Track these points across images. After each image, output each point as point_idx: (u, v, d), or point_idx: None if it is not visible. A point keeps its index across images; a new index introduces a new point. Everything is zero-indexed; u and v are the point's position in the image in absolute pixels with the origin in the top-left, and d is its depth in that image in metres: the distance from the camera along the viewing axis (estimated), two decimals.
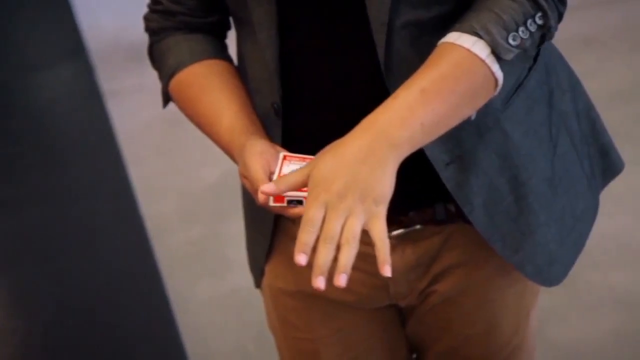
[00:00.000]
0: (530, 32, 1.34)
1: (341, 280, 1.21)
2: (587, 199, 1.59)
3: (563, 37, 3.59)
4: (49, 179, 3.07)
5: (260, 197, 1.33)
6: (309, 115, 1.46)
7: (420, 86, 1.29)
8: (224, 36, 1.56)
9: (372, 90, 1.39)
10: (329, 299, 1.60)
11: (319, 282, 1.22)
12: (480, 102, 1.35)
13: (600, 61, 3.64)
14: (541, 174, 1.49)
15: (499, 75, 1.33)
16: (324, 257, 1.22)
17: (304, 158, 1.39)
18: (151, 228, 3.16)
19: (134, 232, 2.64)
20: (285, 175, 1.32)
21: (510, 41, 1.32)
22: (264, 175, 1.36)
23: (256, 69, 1.47)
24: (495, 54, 1.31)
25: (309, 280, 1.58)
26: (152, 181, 3.54)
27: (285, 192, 1.30)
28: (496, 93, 1.35)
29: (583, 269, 2.78)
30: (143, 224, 2.62)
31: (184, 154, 3.68)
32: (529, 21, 1.33)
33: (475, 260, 1.55)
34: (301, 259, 1.23)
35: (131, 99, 4.01)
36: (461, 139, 1.42)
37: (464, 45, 1.31)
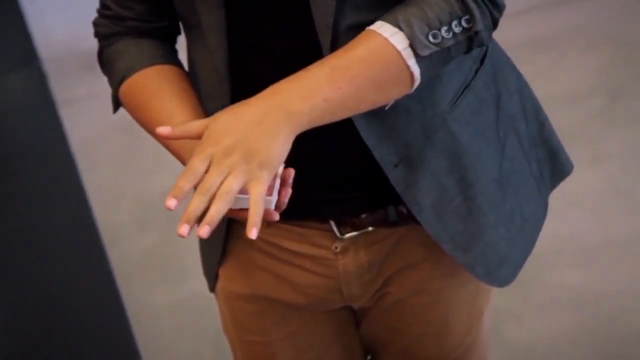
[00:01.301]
0: (454, 33, 1.34)
1: (203, 231, 1.23)
2: (536, 200, 1.60)
3: (515, 40, 3.64)
4: (1, 188, 3.04)
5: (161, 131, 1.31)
6: None
7: (331, 64, 1.30)
8: (174, 41, 1.56)
9: None
10: (283, 302, 1.60)
11: (183, 229, 1.23)
12: (394, 93, 1.35)
13: (551, 63, 3.68)
14: (490, 174, 1.51)
15: (415, 69, 1.33)
16: (195, 206, 1.23)
17: None
18: (107, 236, 3.15)
19: (88, 240, 2.62)
20: (184, 122, 1.33)
21: (430, 38, 1.32)
22: None
23: (206, 73, 1.47)
24: (413, 48, 1.32)
25: (262, 284, 1.60)
26: (107, 189, 3.53)
27: (179, 137, 1.31)
28: (413, 88, 1.35)
29: (538, 269, 2.81)
30: (98, 231, 2.61)
31: (139, 161, 3.67)
32: (454, 22, 1.33)
33: (428, 260, 1.56)
34: (171, 202, 1.24)
35: (85, 108, 4.00)
36: (409, 140, 1.43)
37: (384, 34, 1.31)
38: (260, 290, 1.61)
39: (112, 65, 1.52)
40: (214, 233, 1.60)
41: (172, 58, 1.53)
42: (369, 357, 1.76)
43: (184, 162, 1.45)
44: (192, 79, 1.52)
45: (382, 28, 1.32)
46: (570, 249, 2.91)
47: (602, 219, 3.01)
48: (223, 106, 1.44)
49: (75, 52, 4.25)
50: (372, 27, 1.33)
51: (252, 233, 1.23)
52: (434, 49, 1.32)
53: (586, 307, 2.75)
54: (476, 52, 1.49)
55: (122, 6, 1.50)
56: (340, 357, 1.70)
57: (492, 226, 1.51)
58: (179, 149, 1.44)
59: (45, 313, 2.55)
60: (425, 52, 1.32)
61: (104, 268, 2.49)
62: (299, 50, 1.39)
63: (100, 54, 1.55)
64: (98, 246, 2.49)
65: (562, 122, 3.20)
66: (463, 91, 1.47)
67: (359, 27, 1.35)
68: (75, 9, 4.13)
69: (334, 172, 1.48)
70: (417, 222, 1.50)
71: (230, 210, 1.35)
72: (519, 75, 1.60)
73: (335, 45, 1.35)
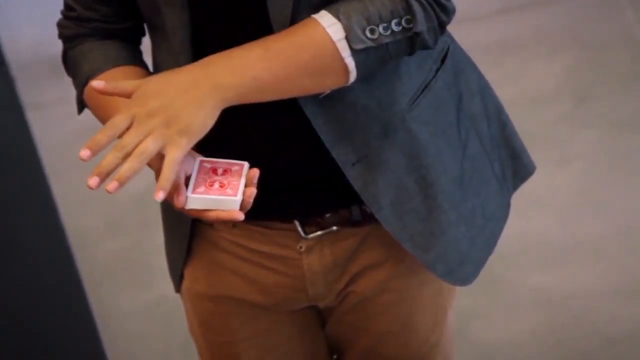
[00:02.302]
0: (393, 32, 1.34)
1: (111, 186, 1.26)
2: (498, 200, 1.61)
3: (483, 43, 3.66)
4: None
5: (177, 201, 1.33)
6: (224, 121, 1.47)
7: (267, 45, 1.33)
8: (139, 42, 1.56)
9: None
10: (248, 302, 1.61)
11: (92, 181, 1.28)
12: (329, 83, 1.37)
13: (519, 66, 3.69)
14: (450, 174, 1.52)
15: (349, 62, 1.34)
16: (108, 161, 1.27)
17: (220, 162, 1.40)
18: (76, 240, 3.14)
19: (56, 244, 2.61)
20: (118, 81, 1.35)
21: (367, 33, 1.33)
22: (179, 179, 1.36)
23: None
24: (348, 40, 1.33)
25: (227, 284, 1.61)
26: (76, 193, 3.51)
27: (111, 92, 1.34)
28: (350, 81, 1.36)
29: (505, 269, 2.83)
30: (65, 235, 2.60)
31: None
32: (395, 21, 1.34)
33: (391, 259, 1.57)
34: (84, 153, 1.28)
35: (54, 112, 3.98)
36: (367, 139, 1.44)
37: (323, 23, 1.33)
38: (225, 291, 1.61)
39: (76, 67, 1.52)
40: (179, 233, 1.61)
41: (136, 59, 1.53)
42: (334, 357, 1.77)
43: (149, 166, 1.45)
44: None
45: (323, 18, 1.34)
46: (537, 250, 2.93)
47: (569, 220, 3.03)
48: None
49: (44, 56, 4.23)
50: (314, 15, 1.35)
51: (158, 195, 1.26)
52: (370, 44, 1.33)
53: (552, 307, 2.76)
54: (436, 53, 1.50)
55: (87, 7, 1.50)
56: (305, 356, 1.70)
57: (453, 225, 1.53)
58: None
59: (11, 317, 2.55)
60: (359, 46, 1.33)
61: (71, 272, 2.48)
62: None
63: (65, 55, 1.55)
64: (65, 250, 2.49)
65: (529, 124, 3.22)
66: (423, 91, 1.48)
67: None
68: (44, 13, 4.11)
69: (297, 172, 1.49)
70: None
71: (196, 211, 1.36)
72: (480, 77, 1.61)
73: None
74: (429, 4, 1.36)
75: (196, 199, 1.35)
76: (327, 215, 1.53)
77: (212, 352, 1.68)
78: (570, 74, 3.60)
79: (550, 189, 3.11)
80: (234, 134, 1.45)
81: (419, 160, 1.48)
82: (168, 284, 3.12)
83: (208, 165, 1.39)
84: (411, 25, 1.35)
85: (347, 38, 1.33)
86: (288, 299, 1.60)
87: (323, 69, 1.35)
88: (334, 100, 1.41)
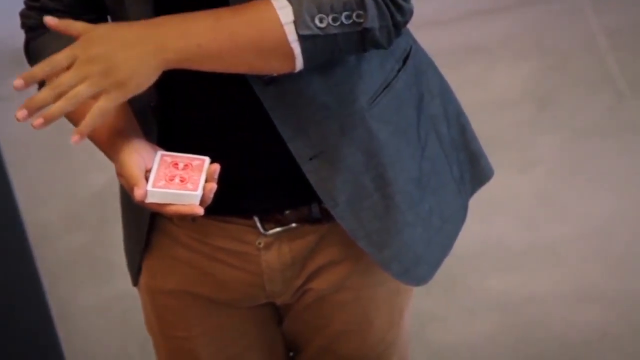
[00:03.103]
0: (342, 24, 1.34)
1: (37, 122, 1.29)
2: (455, 202, 1.62)
3: (447, 47, 3.68)
4: None
5: (137, 194, 1.33)
6: (185, 115, 1.48)
7: (217, 15, 1.34)
8: None
9: (246, 90, 1.41)
10: (206, 297, 1.61)
11: (20, 113, 1.31)
12: (274, 65, 1.36)
13: (486, 70, 3.71)
14: (408, 173, 1.52)
15: (295, 47, 1.34)
16: (40, 97, 1.30)
17: (181, 157, 1.40)
18: (35, 234, 3.12)
19: (14, 239, 2.59)
20: (73, 22, 1.36)
21: (316, 21, 1.33)
22: (139, 172, 1.37)
23: None
24: (296, 25, 1.33)
25: (185, 278, 1.61)
26: (36, 187, 3.49)
27: (63, 30, 1.35)
28: (296, 68, 1.36)
29: (463, 272, 2.83)
30: (24, 230, 2.58)
31: (70, 160, 3.64)
32: (346, 13, 1.34)
33: (349, 258, 1.58)
34: (18, 82, 1.32)
35: (15, 105, 3.95)
36: (325, 135, 1.44)
37: (275, 5, 1.33)
38: (182, 285, 1.61)
39: (38, 58, 1.51)
40: (137, 226, 1.60)
41: None
42: (291, 354, 1.77)
43: (109, 156, 1.44)
44: None
45: (277, 0, 1.34)
46: (497, 253, 2.94)
47: (528, 225, 3.04)
48: (150, 103, 1.45)
49: (7, 48, 4.20)
50: None
51: (74, 139, 1.30)
52: (317, 32, 1.33)
53: (509, 310, 2.78)
54: (398, 53, 1.51)
55: None
56: (262, 353, 1.70)
57: (409, 225, 1.53)
58: (105, 143, 1.44)
59: None
60: (305, 32, 1.33)
61: (29, 267, 2.46)
62: None
63: (27, 45, 1.55)
64: (24, 245, 2.47)
65: (492, 128, 3.24)
66: (384, 90, 1.48)
67: None
68: (7, 6, 4.09)
69: (258, 168, 1.49)
70: None
71: (156, 205, 1.36)
72: (441, 79, 1.62)
73: None
74: (385, 3, 1.35)
75: (156, 193, 1.35)
76: (287, 212, 1.53)
77: (168, 347, 1.68)
78: (534, 79, 3.62)
79: (511, 192, 3.12)
80: (195, 128, 1.45)
81: (377, 159, 1.48)
82: (127, 281, 3.10)
83: (169, 159, 1.39)
84: (361, 21, 1.34)
85: (294, 22, 1.33)
86: (245, 295, 1.60)
87: (268, 49, 1.35)
88: (293, 94, 1.41)
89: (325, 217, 1.53)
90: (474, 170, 1.65)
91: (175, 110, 1.48)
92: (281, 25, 1.33)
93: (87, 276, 3.13)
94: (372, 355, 1.68)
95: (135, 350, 2.83)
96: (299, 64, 1.35)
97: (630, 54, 3.56)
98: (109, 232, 3.27)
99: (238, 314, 1.64)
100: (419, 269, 1.56)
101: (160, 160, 1.39)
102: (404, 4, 1.37)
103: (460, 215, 1.63)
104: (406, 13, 1.38)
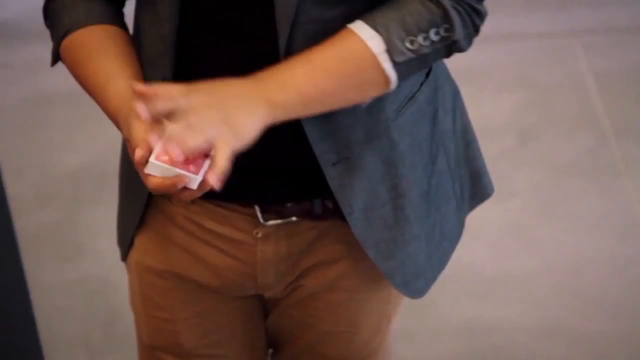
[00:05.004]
0: (432, 41, 1.36)
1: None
2: (454, 219, 1.63)
3: None
4: None
5: (137, 154, 1.31)
6: None
7: (308, 59, 1.34)
8: (123, 5, 1.54)
9: None
10: (195, 282, 1.59)
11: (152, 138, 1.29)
12: (371, 93, 1.38)
13: (469, 97, 3.73)
14: (419, 187, 1.52)
15: (391, 73, 1.35)
16: (173, 129, 1.28)
17: None
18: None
19: None
20: (161, 85, 1.32)
21: (407, 44, 1.35)
22: (146, 136, 1.33)
23: (151, 40, 1.46)
24: (389, 53, 1.34)
25: (177, 260, 1.59)
26: (11, 161, 3.46)
27: (154, 96, 1.31)
28: (392, 89, 1.38)
29: (435, 293, 2.82)
30: (7, 202, 2.55)
31: (48, 136, 3.61)
32: (433, 30, 1.36)
33: (346, 259, 1.57)
34: (142, 110, 1.29)
35: None
36: (351, 141, 1.44)
37: (362, 36, 1.34)
38: (173, 267, 1.59)
39: (57, 18, 1.50)
40: (134, 201, 1.58)
41: (118, 21, 1.51)
42: (270, 351, 1.76)
43: (117, 123, 1.43)
44: (135, 44, 1.51)
45: (361, 30, 1.35)
46: (468, 279, 2.95)
47: (500, 254, 3.06)
48: (163, 77, 1.44)
49: None
50: (351, 26, 1.35)
51: (214, 182, 1.27)
52: (410, 55, 1.35)
53: (476, 336, 2.78)
54: None
55: None
56: (243, 344, 1.69)
57: (415, 238, 1.53)
58: (116, 108, 1.42)
59: None
60: (400, 59, 1.35)
61: (9, 239, 2.43)
62: (252, 34, 1.40)
63: (46, 6, 1.53)
64: (5, 217, 2.44)
65: None
66: (408, 102, 1.49)
67: (317, 22, 1.37)
68: None
69: (269, 159, 1.47)
70: (340, 219, 1.50)
71: (155, 181, 1.33)
72: (455, 94, 1.63)
73: (292, 37, 1.36)
74: (465, 10, 1.37)
75: (157, 166, 1.31)
76: (289, 204, 1.52)
77: (150, 326, 1.66)
78: (518, 112, 3.64)
79: (486, 221, 3.13)
80: None
81: (395, 170, 1.49)
82: (93, 264, 3.09)
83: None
84: (449, 34, 1.37)
85: (387, 51, 1.34)
86: (235, 284, 1.59)
87: (366, 81, 1.36)
88: None
89: (326, 214, 1.52)
90: (475, 188, 1.66)
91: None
92: (375, 57, 1.34)
93: (53, 255, 3.10)
94: (354, 359, 1.67)
95: (97, 333, 2.80)
96: (394, 86, 1.37)
97: (617, 97, 3.59)
98: (80, 214, 3.25)
99: (225, 302, 1.63)
100: (417, 283, 1.57)
101: (168, 134, 1.37)
102: (481, 8, 1.40)
103: (457, 232, 1.64)
104: (483, 16, 1.41)
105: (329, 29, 1.38)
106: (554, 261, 3.04)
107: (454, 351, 2.74)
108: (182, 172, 1.31)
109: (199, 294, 1.61)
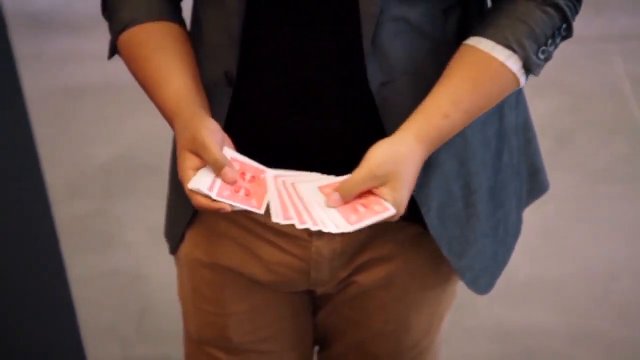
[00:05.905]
0: (556, 45, 1.41)
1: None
2: (515, 215, 1.61)
3: None
4: None
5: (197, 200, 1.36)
6: (263, 89, 1.44)
7: (454, 99, 1.37)
8: None
9: (343, 78, 1.39)
10: (248, 277, 1.57)
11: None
12: (502, 99, 1.44)
13: None
14: (488, 183, 1.52)
15: (524, 81, 1.41)
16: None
17: (249, 165, 1.39)
18: None
19: (36, 199, 2.54)
20: (345, 182, 1.36)
21: (540, 55, 1.39)
22: (222, 158, 1.35)
23: (214, 34, 1.44)
24: (526, 67, 1.38)
25: (229, 254, 1.57)
26: (42, 152, 3.45)
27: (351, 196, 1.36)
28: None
29: (470, 295, 2.79)
30: (46, 191, 2.54)
31: (78, 129, 3.61)
32: (556, 33, 1.40)
33: (400, 257, 1.55)
34: (334, 199, 1.35)
35: (29, 67, 3.92)
36: None
37: (499, 58, 1.37)
38: (225, 261, 1.58)
39: (115, 10, 1.48)
40: (186, 196, 1.56)
41: (177, 17, 1.49)
42: (316, 348, 1.74)
43: (171, 124, 1.41)
44: (193, 38, 1.49)
45: (496, 51, 1.37)
46: (503, 282, 2.92)
47: (535, 258, 3.04)
48: (226, 72, 1.41)
49: (23, 11, 4.17)
50: (481, 46, 1.38)
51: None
52: (544, 64, 1.40)
53: (511, 339, 2.77)
54: None
55: None
56: (291, 340, 1.67)
57: (483, 234, 1.52)
58: (172, 110, 1.41)
59: None
60: (538, 72, 1.40)
61: (48, 230, 2.41)
62: (329, 30, 1.38)
63: None
64: (45, 207, 2.42)
65: None
66: None
67: (399, 20, 1.36)
68: None
69: (334, 158, 1.44)
70: (401, 217, 1.48)
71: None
72: (519, 90, 1.61)
73: (376, 35, 1.35)
74: (573, 4, 1.41)
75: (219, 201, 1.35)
76: None
77: (200, 319, 1.64)
78: (554, 116, 3.62)
79: (522, 225, 3.11)
80: (273, 106, 1.43)
81: (468, 167, 1.48)
82: (125, 255, 3.07)
83: (237, 166, 1.37)
84: (567, 33, 1.42)
85: (524, 66, 1.38)
86: (288, 279, 1.57)
87: (504, 94, 1.42)
88: (403, 95, 1.41)
89: None
90: (532, 183, 1.65)
91: (253, 84, 1.43)
92: (514, 74, 1.38)
93: (84, 247, 3.09)
94: (404, 358, 1.65)
95: (130, 327, 2.79)
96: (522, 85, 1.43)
97: None
98: (110, 206, 3.24)
99: (275, 297, 1.61)
100: (484, 279, 1.56)
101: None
102: None
103: (518, 228, 1.62)
104: (582, 3, 1.43)
105: (410, 26, 1.37)
106: (588, 266, 3.02)
107: (487, 354, 2.72)
108: (245, 207, 1.35)
109: (250, 289, 1.59)
